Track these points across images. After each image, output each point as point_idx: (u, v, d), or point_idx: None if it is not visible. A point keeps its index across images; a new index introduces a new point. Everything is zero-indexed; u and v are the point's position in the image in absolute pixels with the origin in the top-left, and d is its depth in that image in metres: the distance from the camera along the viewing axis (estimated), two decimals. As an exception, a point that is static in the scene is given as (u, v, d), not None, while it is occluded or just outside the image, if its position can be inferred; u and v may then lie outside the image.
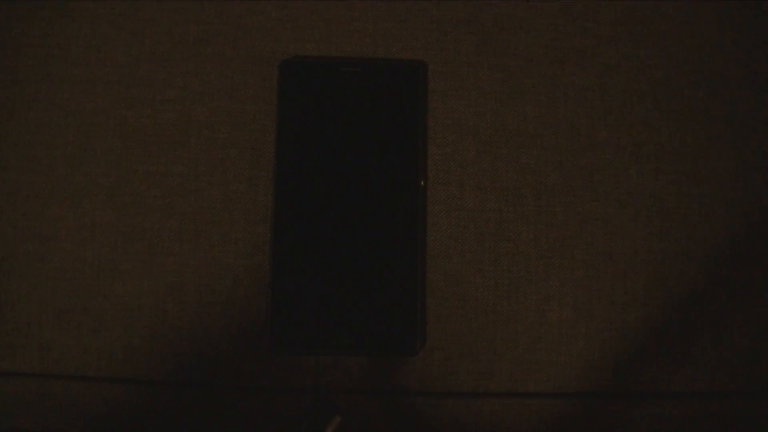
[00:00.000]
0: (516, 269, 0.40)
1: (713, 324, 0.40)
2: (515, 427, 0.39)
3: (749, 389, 0.39)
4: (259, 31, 0.41)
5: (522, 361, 0.39)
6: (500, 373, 0.39)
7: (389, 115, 0.39)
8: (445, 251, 0.40)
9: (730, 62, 0.41)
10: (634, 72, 0.41)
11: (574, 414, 0.39)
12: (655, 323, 0.40)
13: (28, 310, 0.39)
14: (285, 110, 0.39)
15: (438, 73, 0.41)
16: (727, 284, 0.40)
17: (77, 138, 0.40)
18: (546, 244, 0.40)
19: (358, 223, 0.39)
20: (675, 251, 0.40)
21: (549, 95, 0.41)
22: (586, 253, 0.40)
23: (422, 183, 0.39)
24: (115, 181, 0.40)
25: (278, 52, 0.41)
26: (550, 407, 0.39)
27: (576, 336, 0.39)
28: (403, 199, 0.39)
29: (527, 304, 0.40)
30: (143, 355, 0.39)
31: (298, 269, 0.38)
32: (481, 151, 0.40)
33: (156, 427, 0.39)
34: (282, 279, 0.38)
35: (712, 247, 0.40)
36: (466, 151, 0.40)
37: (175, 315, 0.39)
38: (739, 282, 0.40)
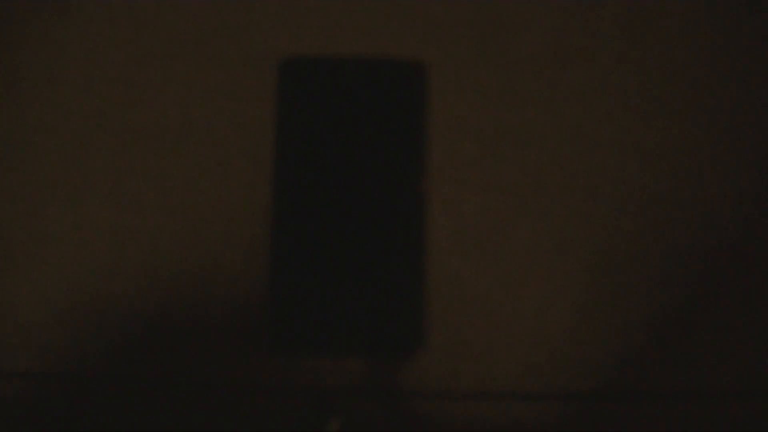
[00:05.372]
0: (516, 269, 0.40)
1: (713, 324, 0.40)
2: (515, 428, 0.39)
3: (749, 389, 0.39)
4: (259, 31, 0.41)
5: (522, 361, 0.39)
6: (500, 373, 0.39)
7: (389, 115, 0.39)
8: (445, 251, 0.40)
9: (730, 62, 0.41)
10: (634, 72, 0.41)
11: (574, 414, 0.39)
12: (655, 323, 0.39)
13: (28, 310, 0.39)
14: (285, 110, 0.39)
15: (438, 73, 0.41)
16: (727, 284, 0.40)
17: (77, 138, 0.40)
18: (546, 244, 0.40)
19: (357, 223, 0.39)
20: (675, 251, 0.40)
21: (549, 95, 0.41)
22: (586, 253, 0.40)
23: (422, 183, 0.39)
24: (114, 181, 0.40)
25: (278, 52, 0.41)
26: (551, 408, 0.39)
27: (576, 336, 0.39)
28: (403, 199, 0.39)
29: (527, 304, 0.40)
30: (143, 355, 0.39)
31: (297, 269, 0.38)
32: (481, 151, 0.40)
33: (156, 427, 0.39)
34: (282, 279, 0.38)
35: (712, 247, 0.40)
36: (466, 151, 0.40)
37: (175, 315, 0.39)
38: (739, 282, 0.40)
